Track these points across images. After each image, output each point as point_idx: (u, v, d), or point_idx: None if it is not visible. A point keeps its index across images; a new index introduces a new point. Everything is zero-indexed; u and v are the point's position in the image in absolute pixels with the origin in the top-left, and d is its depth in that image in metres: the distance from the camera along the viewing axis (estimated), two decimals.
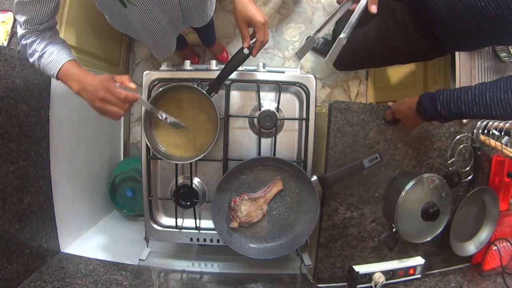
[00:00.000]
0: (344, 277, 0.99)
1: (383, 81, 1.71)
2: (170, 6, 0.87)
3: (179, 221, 0.98)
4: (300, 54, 0.81)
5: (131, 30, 1.00)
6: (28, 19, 0.69)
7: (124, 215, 1.52)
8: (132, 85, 0.71)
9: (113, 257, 1.07)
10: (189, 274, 1.00)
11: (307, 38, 0.80)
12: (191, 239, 0.98)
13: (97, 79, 0.69)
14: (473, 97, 0.68)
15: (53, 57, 0.71)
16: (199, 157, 0.85)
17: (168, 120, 0.80)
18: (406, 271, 0.98)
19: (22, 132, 0.93)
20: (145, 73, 0.92)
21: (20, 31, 0.72)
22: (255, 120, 0.90)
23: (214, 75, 0.83)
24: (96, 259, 1.06)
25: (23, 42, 0.73)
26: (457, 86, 1.09)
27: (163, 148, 0.89)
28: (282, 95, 0.91)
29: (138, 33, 0.99)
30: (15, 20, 1.07)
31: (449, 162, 0.97)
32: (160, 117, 0.79)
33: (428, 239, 0.94)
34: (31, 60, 0.74)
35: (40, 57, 0.72)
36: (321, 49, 1.79)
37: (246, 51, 0.78)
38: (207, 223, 0.98)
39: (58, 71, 0.71)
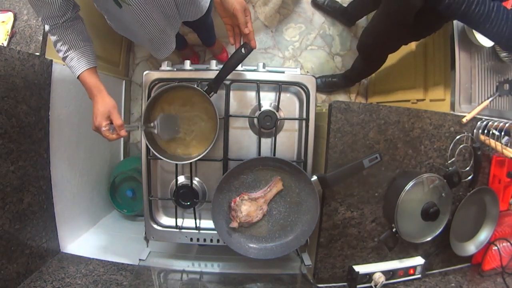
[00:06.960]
0: (344, 277, 0.99)
1: (383, 82, 1.70)
2: (165, 3, 0.87)
3: (179, 221, 0.98)
4: None
5: (129, 32, 0.99)
6: (43, 17, 0.75)
7: (124, 215, 1.52)
8: (123, 133, 0.77)
9: (113, 257, 1.07)
10: (189, 274, 1.00)
11: None
12: (191, 239, 0.98)
13: (98, 111, 0.77)
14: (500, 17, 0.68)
15: (73, 63, 0.79)
16: (199, 157, 0.86)
17: (158, 132, 0.82)
18: (406, 271, 0.98)
19: (22, 132, 0.93)
20: (145, 73, 0.92)
21: (46, 27, 0.79)
22: (255, 120, 0.90)
23: (214, 75, 0.83)
24: (96, 259, 1.06)
25: (50, 37, 0.80)
26: (457, 86, 1.09)
27: (163, 148, 0.89)
28: (282, 95, 0.91)
29: (136, 35, 0.99)
30: (15, 20, 1.08)
31: (449, 162, 0.97)
32: (154, 132, 0.82)
33: (428, 239, 0.94)
34: (58, 55, 0.82)
35: (64, 58, 0.80)
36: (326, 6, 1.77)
37: (243, 50, 0.78)
38: (207, 223, 0.98)
39: (78, 77, 0.80)
